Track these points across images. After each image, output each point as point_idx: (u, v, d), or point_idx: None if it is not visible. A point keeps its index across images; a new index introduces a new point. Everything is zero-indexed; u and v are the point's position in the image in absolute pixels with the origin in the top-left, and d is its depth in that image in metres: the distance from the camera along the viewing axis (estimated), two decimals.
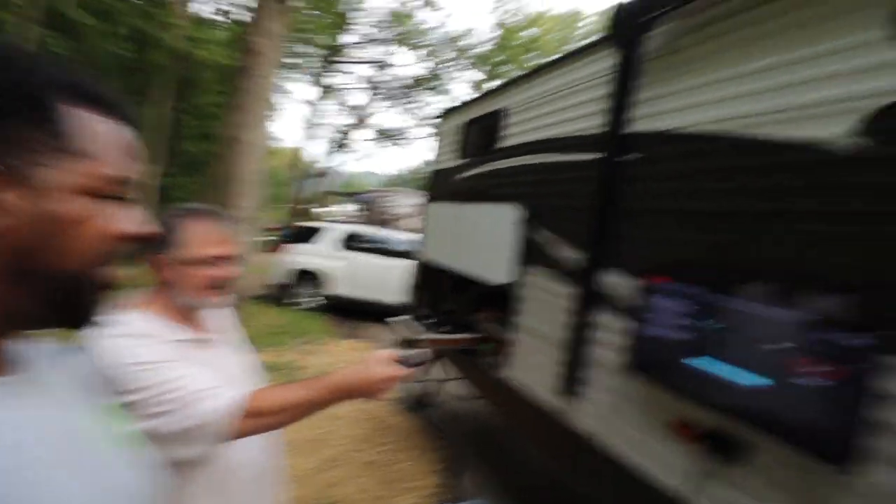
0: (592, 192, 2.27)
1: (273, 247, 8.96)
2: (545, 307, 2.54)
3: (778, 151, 1.52)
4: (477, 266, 3.30)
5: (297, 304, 8.00)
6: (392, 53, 20.12)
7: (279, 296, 8.05)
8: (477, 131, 3.90)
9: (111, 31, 15.03)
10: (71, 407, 0.49)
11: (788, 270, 1.44)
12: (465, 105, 4.10)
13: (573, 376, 2.20)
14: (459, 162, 3.96)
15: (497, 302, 3.77)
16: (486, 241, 3.19)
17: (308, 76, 21.25)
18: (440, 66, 20.45)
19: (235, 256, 1.16)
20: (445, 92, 20.01)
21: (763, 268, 1.51)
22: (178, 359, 0.98)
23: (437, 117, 4.76)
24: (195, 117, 18.06)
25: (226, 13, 18.33)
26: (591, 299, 2.19)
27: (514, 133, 3.14)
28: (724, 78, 1.73)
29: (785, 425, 1.30)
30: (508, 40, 19.38)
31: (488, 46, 19.57)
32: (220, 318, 1.27)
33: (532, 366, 2.59)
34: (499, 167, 3.26)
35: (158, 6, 15.98)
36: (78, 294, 0.45)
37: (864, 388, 1.14)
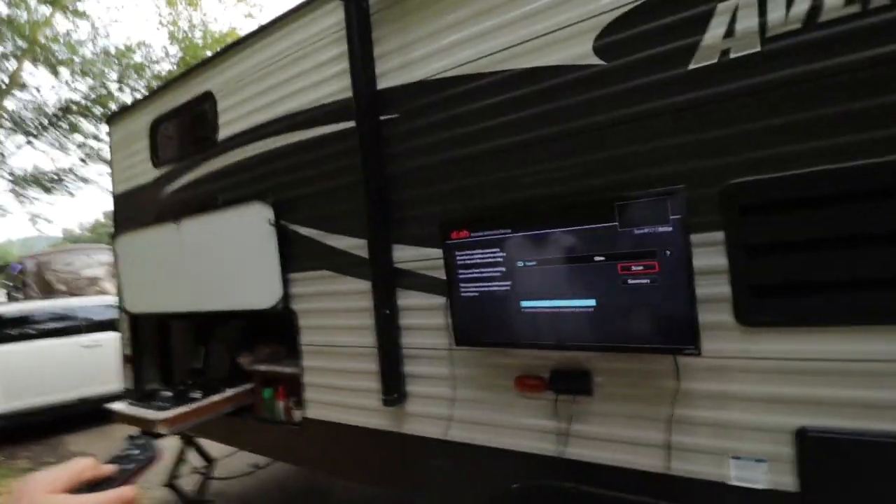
0: (354, 165, 1.93)
1: None
2: (337, 314, 2.06)
3: (530, 80, 1.52)
4: (229, 296, 2.49)
5: None
6: (19, 73, 14.79)
7: None
8: (174, 130, 2.99)
9: None
10: None
11: (570, 189, 1.45)
12: (147, 101, 3.09)
13: (395, 379, 1.82)
14: (158, 172, 2.96)
15: (271, 333, 3.01)
16: (234, 260, 2.43)
17: None
18: (102, 87, 16.27)
19: None
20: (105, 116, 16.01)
21: (547, 193, 1.49)
22: None
23: (107, 121, 3.51)
24: None
25: None
26: (389, 285, 1.85)
27: (234, 118, 2.48)
28: (464, 18, 1.67)
29: (631, 333, 1.29)
30: (192, 56, 16.96)
31: (168, 65, 16.66)
32: None
33: (339, 389, 2.07)
34: (223, 164, 2.53)
35: None
36: None
37: (685, 269, 1.19)
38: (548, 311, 1.42)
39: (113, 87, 16.37)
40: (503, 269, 1.50)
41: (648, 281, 1.24)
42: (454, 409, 1.70)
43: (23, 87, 15.51)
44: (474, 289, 1.56)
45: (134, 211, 3.14)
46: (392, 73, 1.86)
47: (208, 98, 2.63)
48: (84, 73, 15.58)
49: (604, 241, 1.30)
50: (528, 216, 1.46)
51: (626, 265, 1.27)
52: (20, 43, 14.70)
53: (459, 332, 1.62)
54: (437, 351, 1.75)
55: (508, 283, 1.49)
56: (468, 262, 1.57)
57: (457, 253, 1.59)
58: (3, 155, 15.58)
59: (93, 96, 16.35)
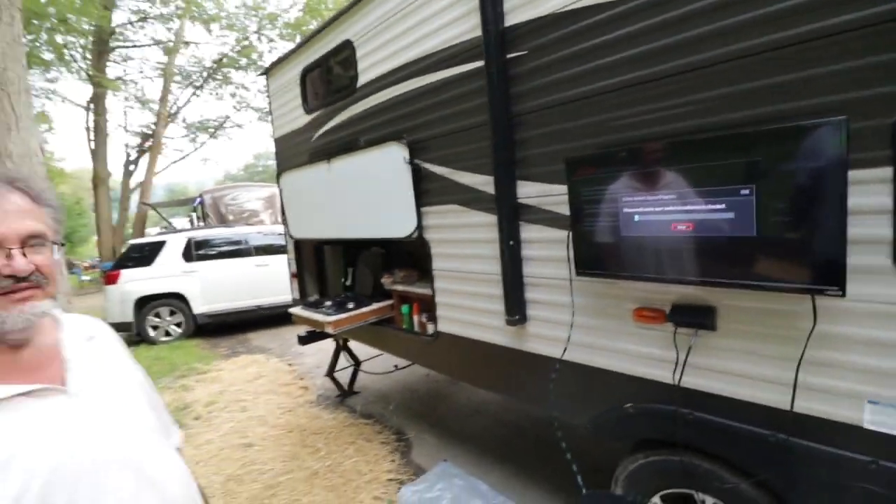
0: (482, 106, 2.04)
1: (104, 280, 7.11)
2: (466, 244, 2.30)
3: (669, 5, 1.43)
4: (372, 226, 2.89)
5: (151, 338, 6.60)
6: (179, 30, 17.08)
7: (127, 334, 6.51)
8: (322, 77, 3.36)
9: None
10: None
11: (707, 123, 1.39)
12: (295, 52, 3.48)
13: (518, 304, 2.03)
14: (310, 117, 3.40)
15: (407, 258, 3.46)
16: (376, 195, 2.79)
17: (79, 71, 17.00)
18: (245, 39, 18.05)
19: (39, 238, 0.70)
20: (257, 69, 17.86)
21: (682, 127, 1.45)
22: None
23: (263, 74, 4.02)
24: None
25: None
26: (513, 219, 2.00)
27: (372, 64, 2.71)
28: None
29: (768, 270, 1.27)
30: (316, 2, 17.73)
31: (295, 13, 17.69)
32: (79, 344, 0.78)
33: (467, 309, 2.37)
34: (365, 108, 2.83)
35: None
36: None
37: (838, 207, 1.13)
38: (674, 245, 1.45)
39: (252, 38, 18.01)
40: (630, 205, 1.53)
41: (792, 218, 1.19)
42: (572, 332, 1.86)
43: (187, 44, 17.87)
44: (598, 223, 1.63)
45: (292, 152, 3.68)
46: (520, 7, 1.87)
47: (348, 46, 2.89)
48: (230, 27, 17.34)
49: (746, 176, 1.25)
50: (661, 151, 1.46)
51: (771, 201, 1.22)
52: (180, 2, 16.74)
53: (581, 263, 1.73)
54: (557, 280, 1.89)
55: (635, 218, 1.53)
56: (593, 197, 1.63)
57: (582, 189, 1.66)
58: (178, 107, 18.58)
59: (237, 48, 18.26)
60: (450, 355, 2.58)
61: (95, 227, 16.56)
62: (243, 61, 18.24)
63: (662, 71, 1.48)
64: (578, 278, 1.77)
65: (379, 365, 4.27)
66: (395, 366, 4.12)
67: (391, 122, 2.62)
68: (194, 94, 18.40)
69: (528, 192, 1.95)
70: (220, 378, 4.95)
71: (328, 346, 4.25)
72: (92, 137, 15.33)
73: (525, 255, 2.02)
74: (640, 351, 1.67)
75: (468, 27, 2.08)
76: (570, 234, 1.75)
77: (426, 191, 2.47)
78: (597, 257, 1.67)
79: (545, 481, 2.59)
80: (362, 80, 2.81)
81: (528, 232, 1.98)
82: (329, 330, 2.90)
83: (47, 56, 14.33)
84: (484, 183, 2.12)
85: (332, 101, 3.13)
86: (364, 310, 3.02)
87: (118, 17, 16.43)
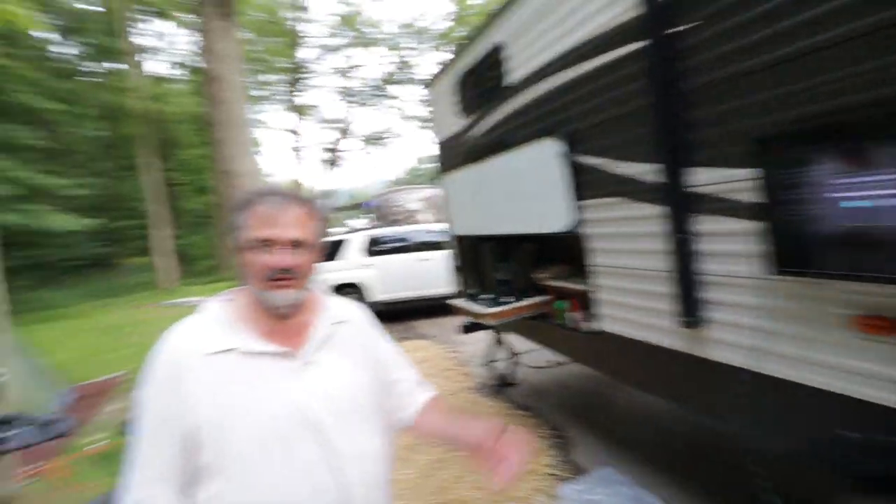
0: (646, 87, 1.88)
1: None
2: (629, 239, 2.16)
3: None
4: (525, 222, 2.93)
5: None
6: (352, 57, 19.67)
7: None
8: (474, 82, 3.50)
9: (80, 112, 15.04)
10: None
11: None
12: (451, 63, 3.70)
13: (693, 304, 1.83)
14: (466, 121, 3.57)
15: (560, 254, 3.42)
16: (529, 191, 2.81)
17: (279, 103, 20.96)
18: (404, 56, 19.87)
19: (303, 242, 0.90)
20: (415, 81, 19.47)
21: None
22: (215, 379, 0.84)
23: (426, 86, 4.37)
24: (185, 174, 18.06)
25: (181, 64, 18.13)
26: (687, 210, 1.80)
27: (522, 62, 2.73)
28: None
29: None
30: (464, 10, 18.53)
31: (446, 24, 18.80)
32: (330, 320, 0.99)
33: (630, 307, 2.22)
34: (515, 107, 2.86)
35: (114, 75, 15.91)
36: None
37: None
38: None
39: (406, 52, 19.73)
40: (853, 188, 1.24)
41: None
42: (767, 340, 1.60)
43: (354, 68, 20.40)
44: (809, 211, 1.35)
45: (451, 154, 3.93)
46: None
47: (497, 50, 2.95)
48: (391, 48, 19.24)
49: None
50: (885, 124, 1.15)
51: None
52: (351, 32, 19.22)
53: (783, 259, 1.46)
54: (744, 279, 1.64)
55: (861, 204, 1.23)
56: (799, 181, 1.36)
57: (783, 171, 1.40)
58: (350, 122, 21.45)
59: (396, 63, 20.14)
60: (609, 355, 2.46)
61: None
62: (404, 76, 20.08)
63: (869, 25, 1.16)
64: (776, 277, 1.51)
65: (537, 358, 4.29)
66: (553, 361, 4.09)
67: (544, 116, 2.60)
68: (363, 109, 20.99)
69: (703, 178, 1.73)
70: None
71: (486, 336, 4.44)
72: (294, 156, 18.83)
73: (700, 250, 1.80)
74: (864, 368, 1.35)
75: (623, 8, 1.93)
76: (767, 225, 1.49)
77: (582, 184, 2.38)
78: (805, 253, 1.39)
79: None
80: (513, 78, 2.84)
81: (704, 224, 1.76)
82: (488, 322, 3.04)
83: (254, 93, 18.15)
84: (647, 172, 1.96)
85: (485, 103, 3.24)
86: (521, 304, 3.08)
87: (305, 54, 19.65)
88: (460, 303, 3.50)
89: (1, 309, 3.11)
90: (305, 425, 0.86)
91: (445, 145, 4.05)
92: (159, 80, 17.69)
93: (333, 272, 7.94)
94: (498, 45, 2.95)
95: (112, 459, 3.03)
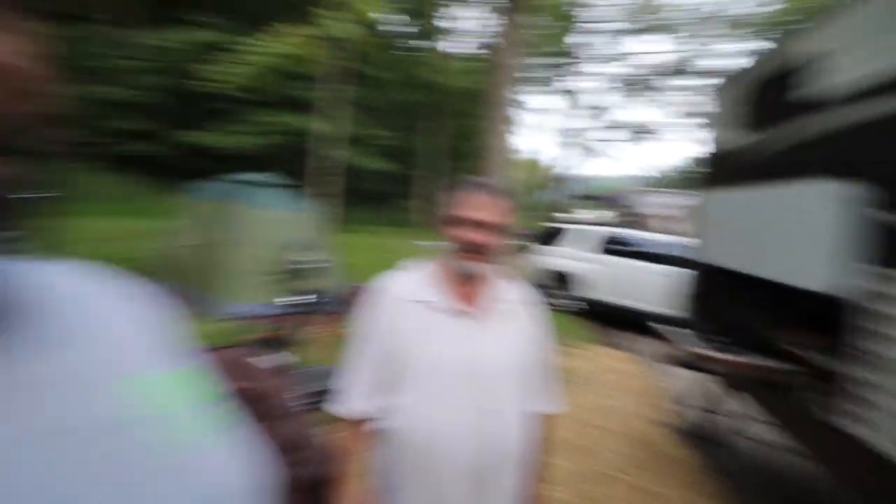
0: None
1: (522, 249, 9.22)
2: None
3: None
4: (782, 266, 2.49)
5: (550, 305, 8.02)
6: (632, 46, 18.58)
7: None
8: (773, 94, 3.01)
9: (398, 80, 19.29)
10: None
11: None
12: (752, 69, 3.23)
13: None
14: (749, 137, 3.14)
15: (819, 318, 2.78)
16: (796, 233, 2.38)
17: (544, 85, 21.64)
18: (701, 45, 17.54)
19: (497, 226, 1.10)
20: (703, 73, 17.01)
21: None
22: (412, 325, 1.09)
23: (716, 90, 3.92)
24: (459, 140, 20.99)
25: (480, 45, 20.57)
26: None
27: (839, 79, 2.24)
28: None
29: None
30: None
31: (771, 9, 15.60)
32: (506, 297, 1.19)
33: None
34: (811, 132, 2.39)
35: (426, 52, 19.52)
36: None
37: None
38: None
39: (699, 41, 17.31)
40: None
41: None
42: None
43: (631, 55, 19.20)
44: None
45: (723, 169, 3.49)
46: None
47: (814, 60, 2.47)
48: (690, 36, 17.25)
49: None
50: None
51: None
52: (646, 17, 17.96)
53: None
54: None
55: None
56: None
57: None
58: (604, 109, 20.57)
59: (682, 53, 17.96)
60: (853, 466, 1.97)
61: (531, 205, 21.37)
62: (685, 68, 17.92)
63: None
64: None
65: (759, 428, 3.63)
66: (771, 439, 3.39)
67: (838, 152, 2.12)
68: (631, 99, 19.80)
69: None
70: (593, 359, 5.55)
71: (699, 378, 3.98)
72: (546, 137, 19.64)
73: None
74: None
75: None
76: None
77: (876, 244, 1.90)
78: None
79: None
80: (814, 99, 2.37)
81: None
82: (712, 367, 2.73)
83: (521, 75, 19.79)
84: None
85: (775, 120, 2.79)
86: (739, 358, 2.66)
87: (578, 38, 19.53)
88: (680, 334, 3.24)
89: (336, 220, 4.52)
90: (469, 374, 1.07)
91: (719, 157, 3.64)
92: (449, 56, 20.65)
93: (553, 258, 8.14)
94: (812, 58, 2.48)
95: (342, 343, 4.09)
